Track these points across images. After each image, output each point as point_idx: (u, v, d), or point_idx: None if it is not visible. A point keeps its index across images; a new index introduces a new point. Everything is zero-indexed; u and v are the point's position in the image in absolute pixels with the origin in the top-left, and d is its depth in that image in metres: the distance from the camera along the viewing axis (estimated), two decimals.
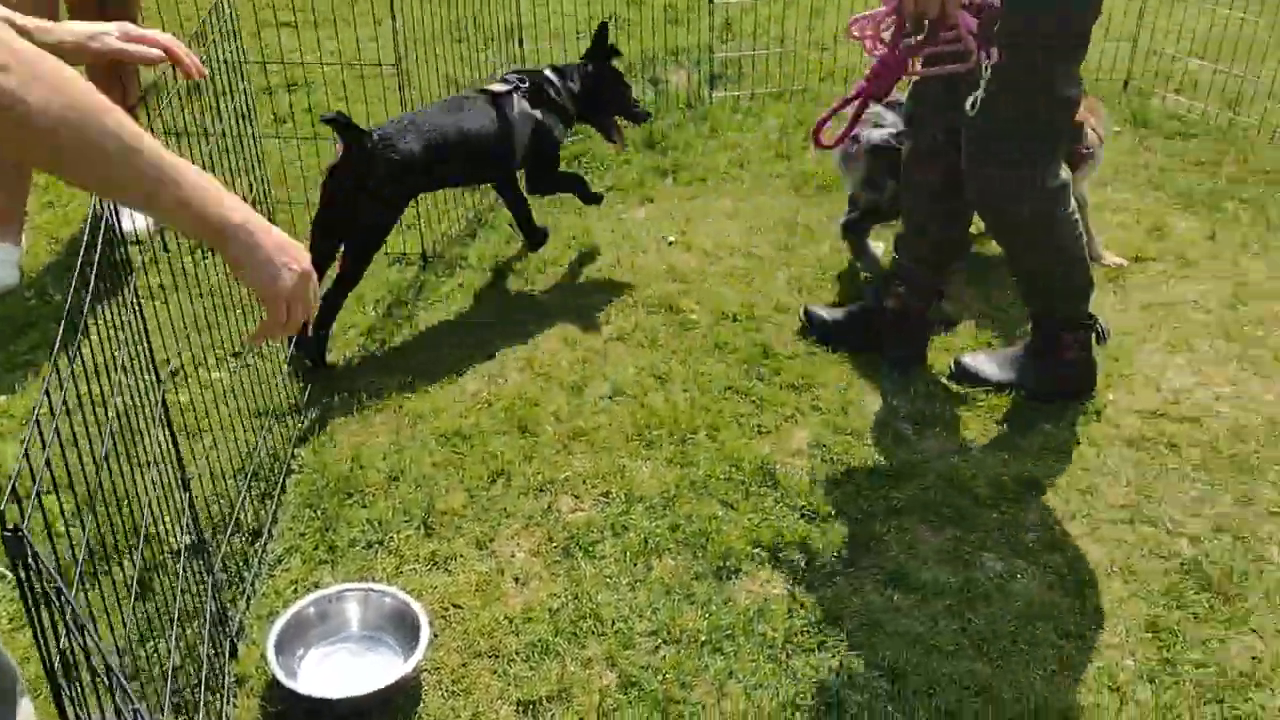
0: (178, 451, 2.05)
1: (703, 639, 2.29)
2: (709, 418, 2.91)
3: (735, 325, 3.30)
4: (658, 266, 3.58)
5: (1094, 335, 2.99)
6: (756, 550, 2.51)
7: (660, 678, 2.20)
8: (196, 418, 2.70)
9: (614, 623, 2.33)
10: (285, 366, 2.97)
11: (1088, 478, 2.74)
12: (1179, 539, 2.56)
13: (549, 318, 3.32)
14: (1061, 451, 2.82)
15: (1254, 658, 2.27)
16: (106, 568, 2.35)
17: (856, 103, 2.57)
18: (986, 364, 3.06)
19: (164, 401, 2.02)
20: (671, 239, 3.74)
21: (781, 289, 3.47)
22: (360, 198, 2.99)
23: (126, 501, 1.86)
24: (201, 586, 2.18)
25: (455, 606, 2.37)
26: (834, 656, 2.26)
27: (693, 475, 2.72)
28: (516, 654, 2.26)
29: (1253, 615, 2.36)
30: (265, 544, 2.49)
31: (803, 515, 2.61)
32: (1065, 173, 2.83)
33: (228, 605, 2.28)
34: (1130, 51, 4.71)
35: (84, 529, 1.72)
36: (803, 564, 2.48)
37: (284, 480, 2.67)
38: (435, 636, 2.28)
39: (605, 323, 3.30)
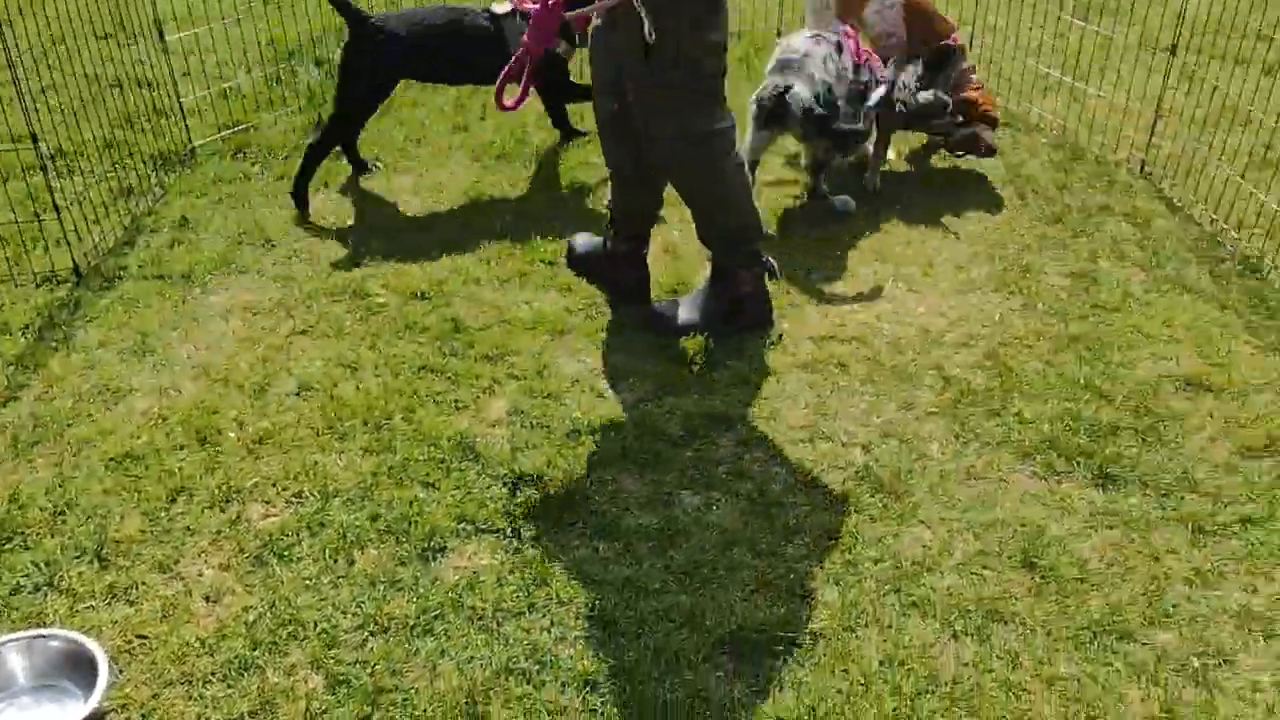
0: None
1: (412, 623, 2.25)
2: (404, 400, 2.85)
3: (425, 303, 3.24)
4: (339, 252, 3.46)
5: (767, 273, 3.16)
6: (462, 525, 2.49)
7: (370, 671, 2.15)
8: None
9: (317, 624, 2.24)
10: None
11: (770, 405, 2.89)
12: (853, 449, 2.75)
13: (223, 319, 3.14)
14: (746, 384, 2.96)
15: (924, 546, 2.48)
16: None
17: (527, 62, 2.69)
18: (673, 309, 3.17)
19: None
20: (352, 223, 3.62)
21: (470, 262, 3.44)
22: (350, 72, 3.58)
23: None
24: None
25: (140, 637, 2.20)
26: (544, 616, 2.28)
27: (390, 461, 2.66)
28: (212, 675, 2.13)
29: (919, 509, 2.58)
30: None
31: (505, 484, 2.61)
32: (729, 119, 2.95)
33: None
34: None
35: None
36: (509, 531, 2.49)
37: None
38: (120, 672, 2.12)
39: (287, 317, 3.16)
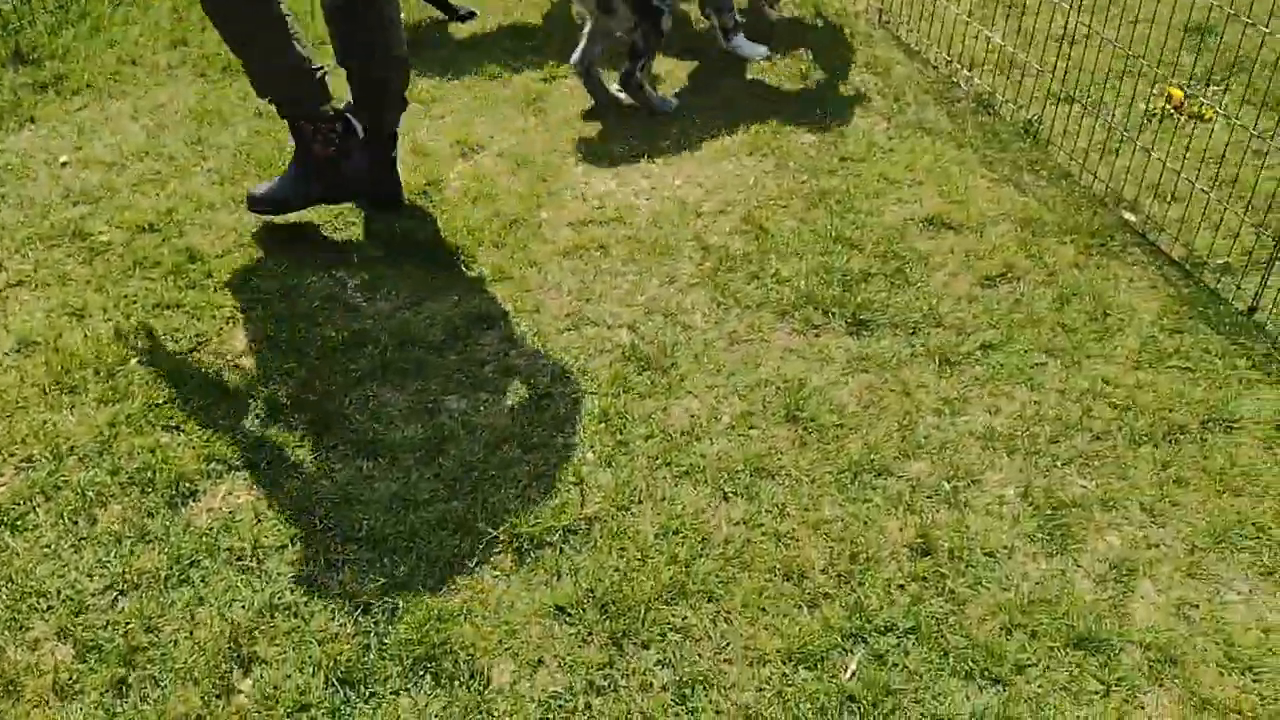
0: None
1: (165, 575, 2.13)
2: (139, 342, 2.66)
3: (155, 236, 3.01)
4: (53, 194, 3.16)
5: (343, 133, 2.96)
6: (212, 466, 2.36)
7: (123, 632, 2.02)
8: None
9: (60, 592, 2.09)
10: None
11: (533, 297, 2.84)
12: (618, 330, 2.74)
13: None
14: (508, 279, 2.89)
15: (692, 416, 2.51)
16: None
17: None
18: (275, 189, 2.96)
19: None
20: (65, 159, 3.31)
21: (202, 185, 3.21)
22: None
23: None
24: None
25: None
26: (309, 545, 2.20)
27: (128, 409, 2.48)
28: None
29: (686, 380, 2.59)
30: None
31: (258, 416, 2.48)
32: None
33: None
34: None
35: None
36: (265, 464, 2.37)
37: None
38: None
39: None
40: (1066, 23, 3.31)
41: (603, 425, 2.48)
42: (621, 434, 2.46)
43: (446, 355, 2.66)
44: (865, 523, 2.25)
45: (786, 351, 2.67)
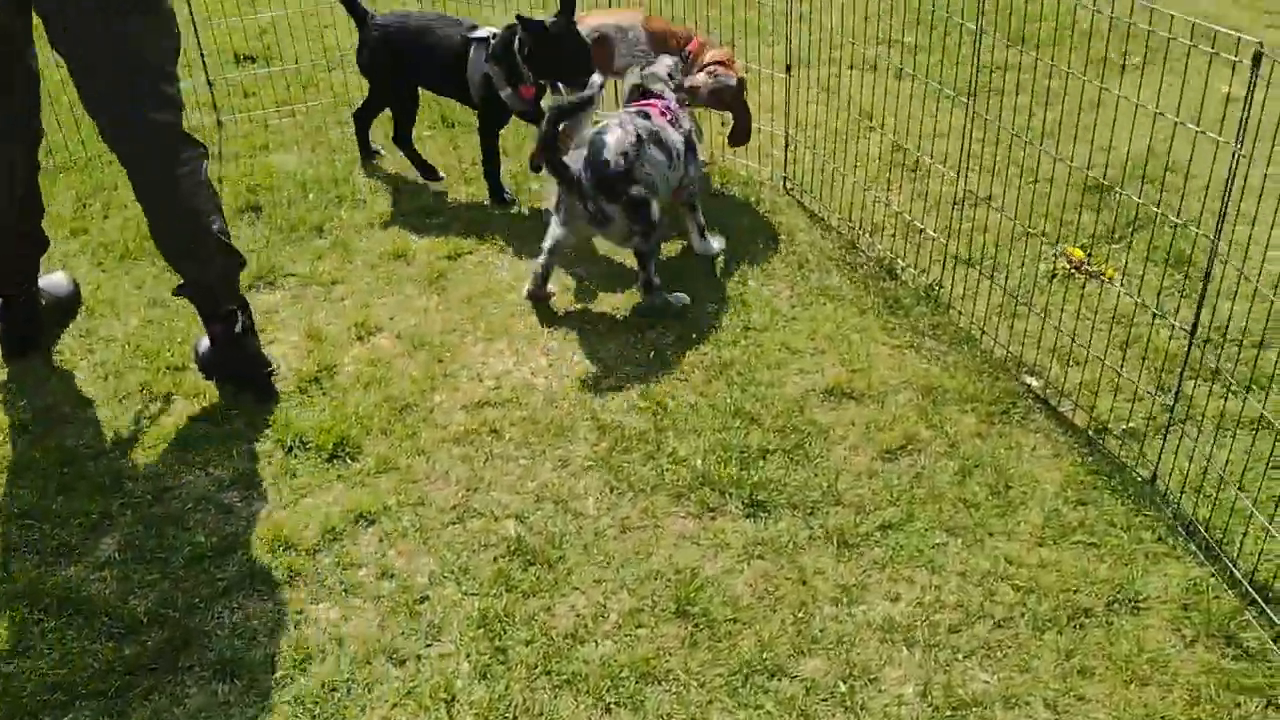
0: None
1: None
2: None
3: (28, 436, 2.89)
4: None
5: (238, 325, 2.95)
6: (57, 696, 2.19)
7: None
8: None
9: None
10: None
11: (419, 489, 2.72)
12: (505, 521, 2.62)
13: None
14: (393, 470, 2.78)
15: (578, 615, 2.37)
16: None
17: None
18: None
19: None
20: None
21: (85, 380, 3.11)
22: (361, 60, 4.03)
23: None
24: None
25: None
26: None
27: None
28: None
29: (573, 574, 2.47)
30: None
31: (112, 636, 2.32)
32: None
33: None
34: None
35: None
36: (113, 692, 2.20)
37: None
38: None
39: None
40: (964, 185, 3.35)
41: (481, 630, 2.34)
42: (500, 639, 2.31)
43: (320, 559, 2.52)
44: None
45: (680, 539, 2.56)
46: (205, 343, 3.04)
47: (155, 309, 3.40)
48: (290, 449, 2.84)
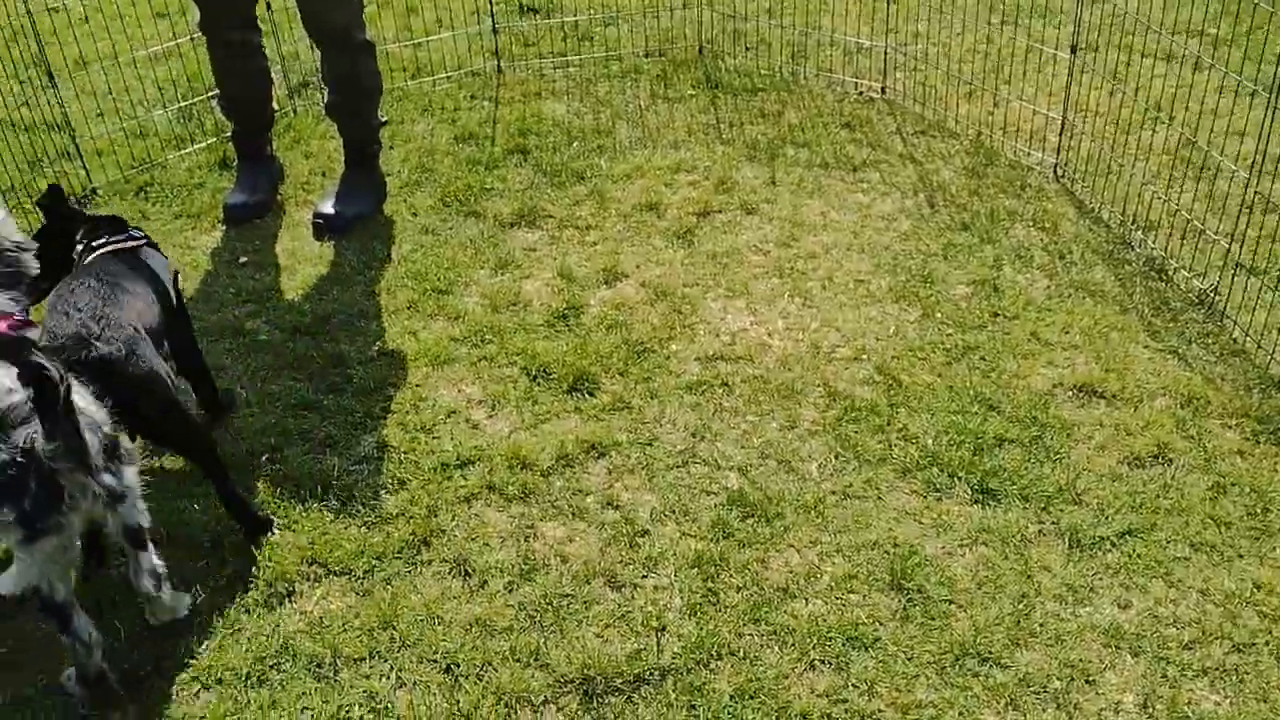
0: None
1: (246, 673, 2.18)
2: (272, 439, 2.79)
3: (308, 339, 3.18)
4: (225, 290, 3.41)
5: None
6: (313, 568, 2.42)
7: None
8: None
9: (147, 681, 2.17)
10: None
11: (649, 430, 2.82)
12: (728, 473, 2.67)
13: None
14: (627, 409, 2.89)
15: (791, 572, 2.40)
16: None
17: None
18: (332, 204, 3.66)
19: None
20: (244, 259, 3.57)
21: (359, 294, 3.39)
22: None
23: None
24: None
25: None
26: (385, 660, 2.21)
27: (252, 502, 2.59)
28: None
29: (790, 532, 2.50)
30: None
31: (364, 523, 2.54)
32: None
33: None
34: (707, 18, 4.92)
35: None
36: (361, 572, 2.42)
37: None
38: None
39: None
40: (1257, 188, 3.09)
41: (695, 571, 2.40)
42: (713, 582, 2.38)
43: (553, 481, 2.66)
44: (961, 713, 2.07)
45: (902, 514, 2.54)
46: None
47: (426, 235, 3.65)
48: (534, 377, 3.00)
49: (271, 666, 2.20)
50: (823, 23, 4.83)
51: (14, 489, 1.91)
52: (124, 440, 2.10)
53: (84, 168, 3.96)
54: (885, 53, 4.38)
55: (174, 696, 2.14)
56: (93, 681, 2.06)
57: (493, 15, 4.76)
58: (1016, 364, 2.98)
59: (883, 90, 4.38)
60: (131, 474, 2.09)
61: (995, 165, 3.96)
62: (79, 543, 2.09)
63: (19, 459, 1.90)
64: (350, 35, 3.59)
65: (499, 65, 4.76)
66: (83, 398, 2.01)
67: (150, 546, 2.13)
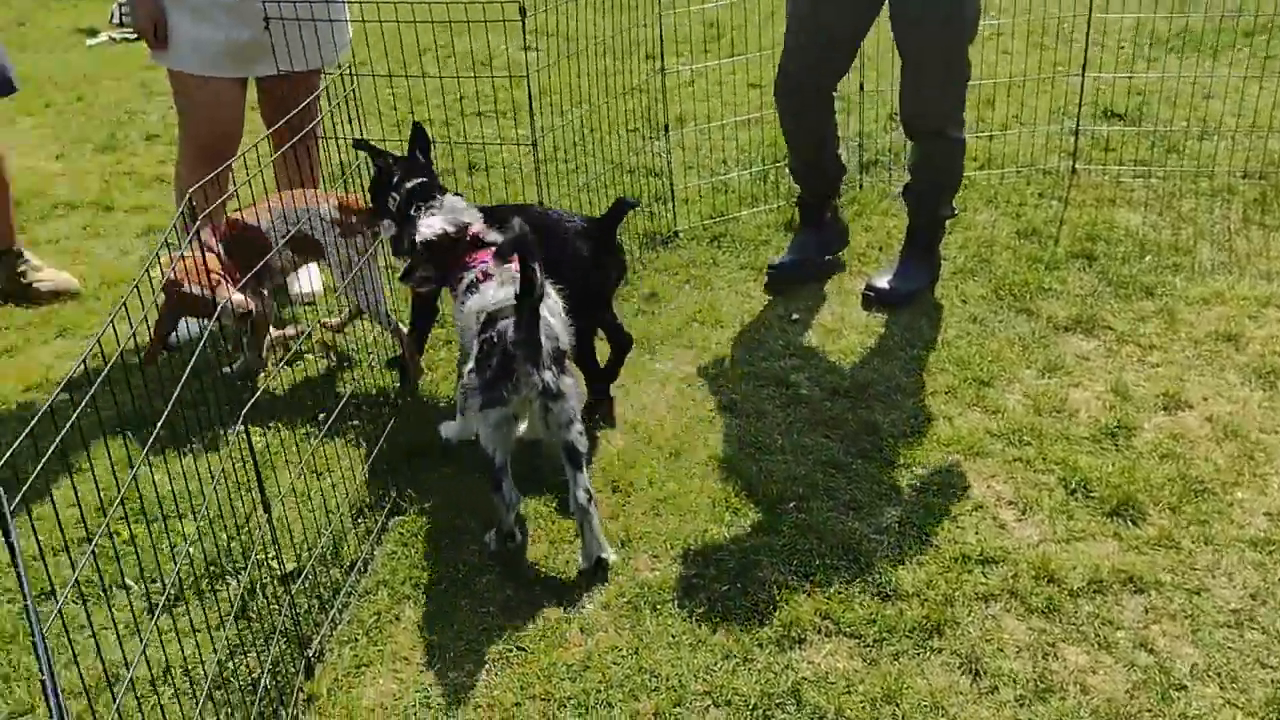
0: (260, 478, 2.27)
1: (753, 704, 2.28)
2: (799, 489, 2.91)
3: (845, 401, 3.29)
4: (776, 342, 3.63)
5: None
6: (825, 622, 2.49)
7: None
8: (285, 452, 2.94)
9: (669, 679, 2.36)
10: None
11: (1198, 578, 2.56)
12: None
13: (661, 385, 3.42)
14: (1173, 547, 2.65)
15: None
16: (213, 587, 2.59)
17: None
18: (888, 279, 3.77)
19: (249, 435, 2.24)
20: (795, 316, 3.78)
21: (897, 368, 3.44)
22: None
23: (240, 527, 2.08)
24: (290, 610, 2.37)
25: (519, 649, 2.46)
26: None
27: (774, 544, 2.72)
28: (569, 699, 2.32)
29: None
30: (358, 576, 2.67)
31: (879, 593, 2.57)
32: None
33: (310, 629, 2.46)
34: None
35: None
36: (871, 639, 2.44)
37: (386, 520, 2.86)
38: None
39: (715, 393, 3.37)
40: None
41: None
42: None
43: (1081, 604, 2.51)
44: None
45: None
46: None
47: (973, 324, 3.63)
48: (1073, 490, 2.85)
49: (776, 704, 2.28)
50: None
51: (483, 363, 2.59)
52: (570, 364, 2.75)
53: (673, 212, 4.44)
54: None
55: (686, 703, 2.30)
56: (505, 537, 2.70)
57: (1078, 117, 4.64)
58: None
59: None
60: (569, 382, 2.64)
61: None
62: (517, 425, 2.73)
63: (494, 340, 2.58)
64: (944, 133, 3.68)
65: (1074, 166, 4.63)
66: (549, 310, 2.65)
67: (585, 470, 2.64)
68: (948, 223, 3.94)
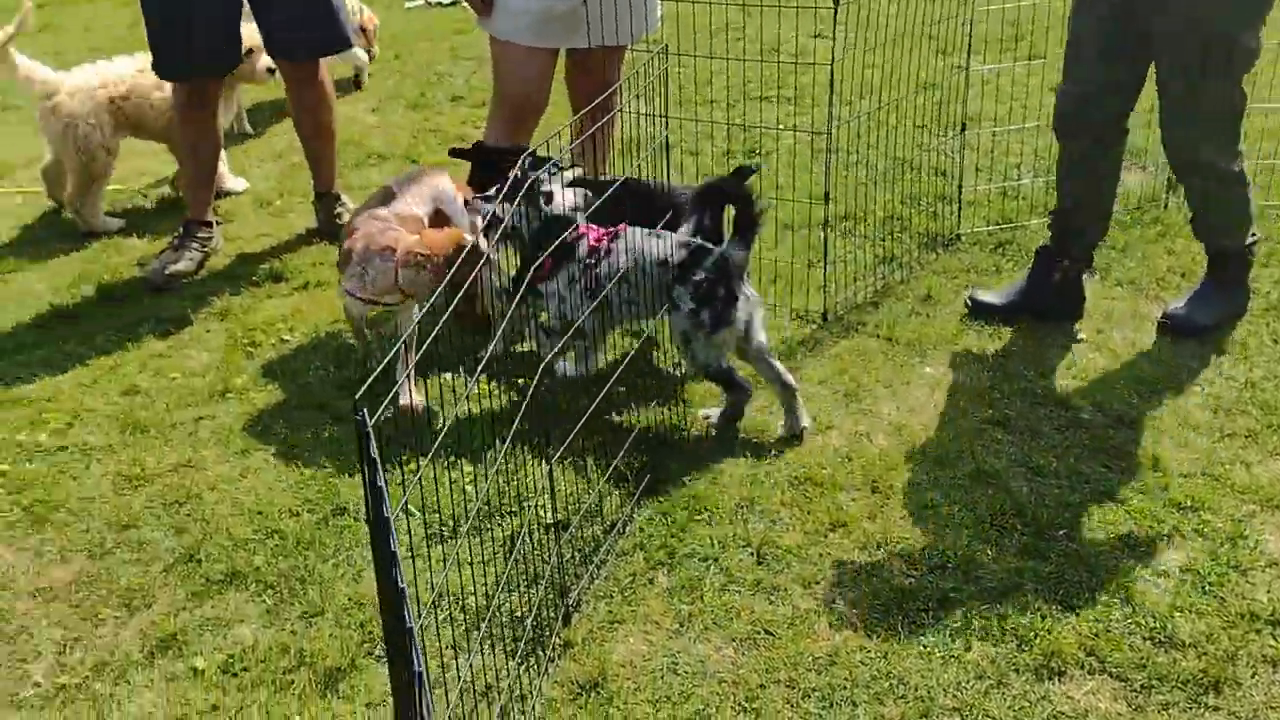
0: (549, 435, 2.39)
1: None
2: (1066, 515, 2.78)
3: (1127, 431, 3.11)
4: (1058, 360, 3.46)
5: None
6: (1089, 659, 2.37)
7: None
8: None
9: (917, 688, 2.32)
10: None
11: None
12: None
13: (929, 390, 3.34)
14: None
15: None
16: (489, 526, 2.76)
17: None
18: (1186, 308, 3.54)
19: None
20: (1083, 336, 3.59)
21: (1192, 405, 3.21)
22: None
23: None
24: (556, 559, 2.50)
25: (767, 633, 2.48)
26: None
27: (1040, 569, 2.62)
28: (814, 690, 2.33)
29: None
30: (617, 537, 2.77)
31: (1151, 638, 2.42)
32: None
33: (571, 580, 2.58)
34: None
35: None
36: (1139, 685, 2.31)
37: (645, 488, 2.94)
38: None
39: (987, 405, 3.26)
40: None
41: None
42: None
43: None
44: None
45: None
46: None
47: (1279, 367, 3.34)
48: None
49: None
50: None
51: (709, 295, 3.02)
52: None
53: (957, 214, 4.30)
54: None
55: (932, 714, 2.25)
56: (731, 417, 3.15)
57: None
58: None
59: None
60: (749, 287, 3.12)
61: None
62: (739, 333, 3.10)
63: (709, 277, 3.02)
64: (1214, 167, 3.39)
65: None
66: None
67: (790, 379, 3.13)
68: (1256, 250, 3.63)
